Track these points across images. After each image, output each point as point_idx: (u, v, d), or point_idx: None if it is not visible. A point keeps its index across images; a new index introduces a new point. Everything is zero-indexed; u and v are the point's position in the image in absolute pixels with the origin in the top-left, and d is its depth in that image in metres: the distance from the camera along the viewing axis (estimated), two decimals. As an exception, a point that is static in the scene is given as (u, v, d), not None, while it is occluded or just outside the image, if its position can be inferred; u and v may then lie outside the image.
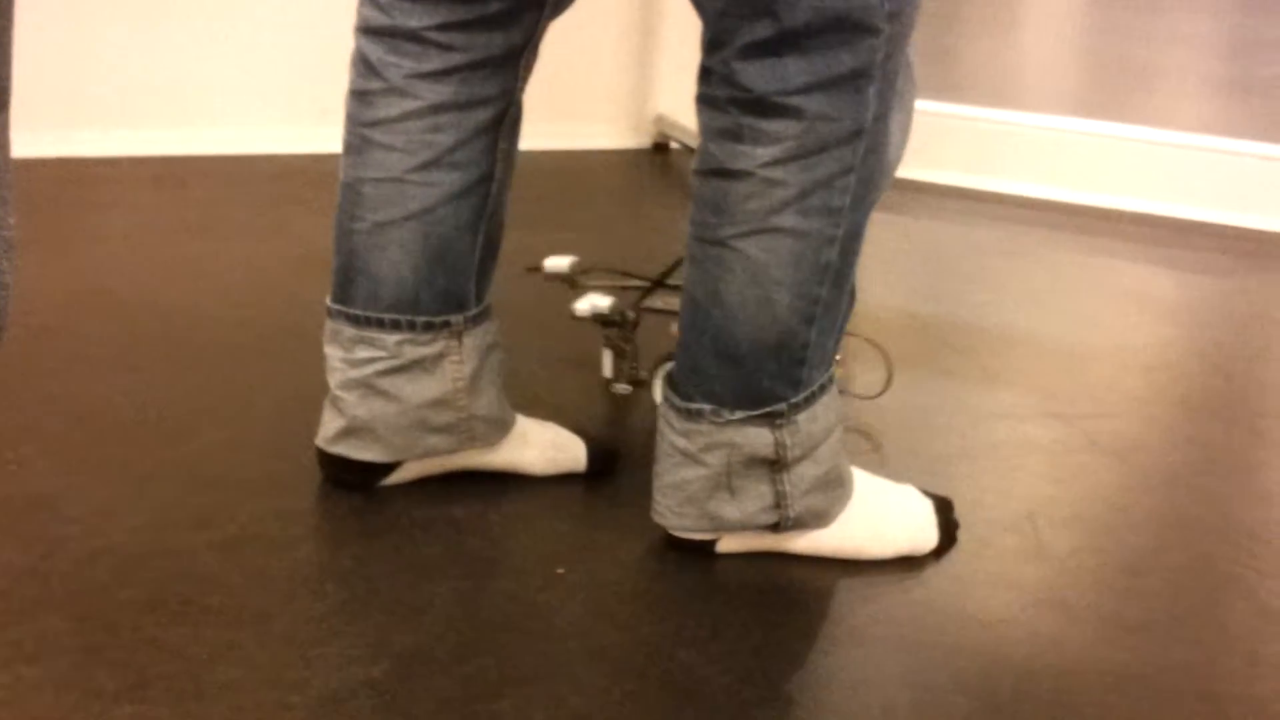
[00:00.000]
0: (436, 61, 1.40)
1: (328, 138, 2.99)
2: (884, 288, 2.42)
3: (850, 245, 1.34)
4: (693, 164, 1.36)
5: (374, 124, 1.43)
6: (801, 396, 1.37)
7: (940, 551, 1.47)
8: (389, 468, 1.54)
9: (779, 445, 1.37)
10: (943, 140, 3.21)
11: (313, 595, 1.33)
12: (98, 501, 1.49)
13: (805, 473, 1.39)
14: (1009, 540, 1.52)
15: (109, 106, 3.03)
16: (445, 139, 1.42)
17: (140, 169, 2.94)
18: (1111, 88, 4.09)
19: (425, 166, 1.43)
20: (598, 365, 1.98)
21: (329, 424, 1.52)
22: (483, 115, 1.43)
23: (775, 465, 1.38)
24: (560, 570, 1.40)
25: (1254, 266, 2.65)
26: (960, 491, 1.60)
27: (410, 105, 1.41)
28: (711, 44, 1.29)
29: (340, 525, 1.48)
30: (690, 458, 1.39)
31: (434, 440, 1.51)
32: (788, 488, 1.39)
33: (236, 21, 3.06)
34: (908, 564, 1.45)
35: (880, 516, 1.46)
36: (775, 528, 1.41)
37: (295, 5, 3.05)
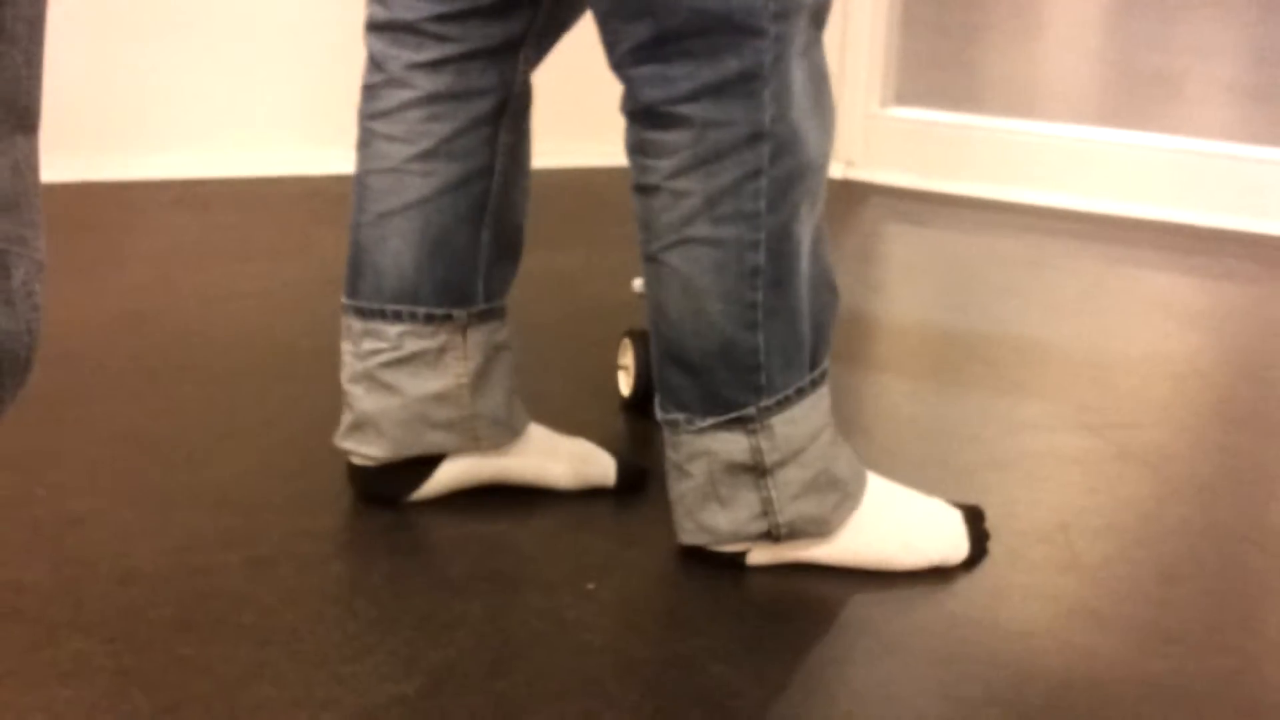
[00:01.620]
0: (433, 52, 1.43)
1: (349, 158, 3.00)
2: (910, 300, 2.41)
3: (780, 248, 1.33)
4: None
5: (376, 116, 1.47)
6: (772, 400, 1.36)
7: (972, 563, 1.47)
8: (415, 483, 1.54)
9: (754, 450, 1.37)
10: (965, 151, 3.20)
11: (343, 613, 1.33)
12: (128, 523, 1.50)
13: (791, 477, 1.38)
14: (1041, 551, 1.51)
15: (133, 130, 3.05)
16: (442, 128, 1.45)
17: (164, 192, 2.96)
18: (1135, 96, 4.08)
19: (424, 156, 1.45)
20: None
21: (342, 421, 1.54)
22: (480, 106, 1.45)
23: (756, 471, 1.38)
24: (590, 586, 1.40)
25: (1278, 274, 2.64)
26: (991, 502, 1.60)
27: (408, 95, 1.45)
28: (606, 46, 1.31)
29: (370, 543, 1.48)
30: (679, 469, 1.41)
31: (436, 437, 1.51)
32: (773, 493, 1.38)
33: (258, 44, 3.08)
34: (939, 575, 1.44)
35: (910, 527, 1.45)
36: (768, 536, 1.40)
37: (316, 28, 3.06)
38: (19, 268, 0.77)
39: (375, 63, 1.47)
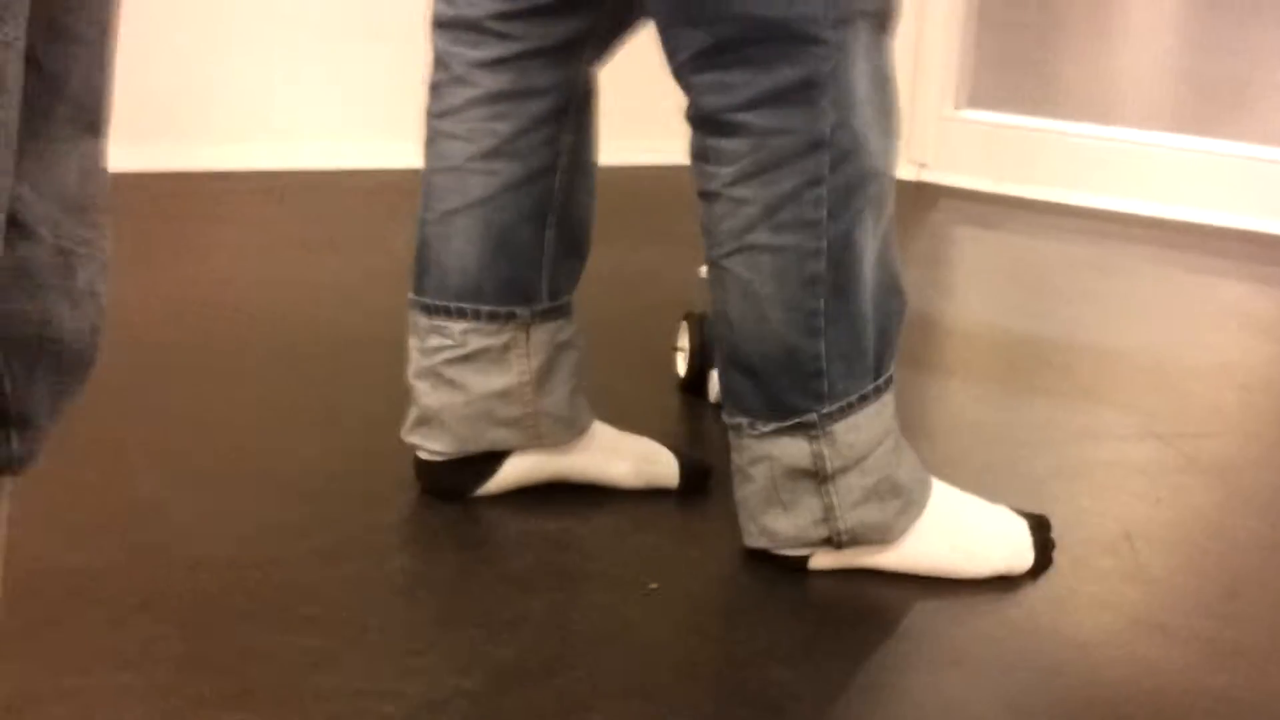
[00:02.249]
0: (495, 50, 1.45)
1: (418, 152, 3.02)
2: (980, 304, 2.40)
3: (842, 255, 1.33)
4: None
5: (441, 114, 1.48)
6: (834, 407, 1.36)
7: (1036, 572, 1.46)
8: (480, 478, 1.56)
9: (816, 456, 1.37)
10: (1038, 155, 3.18)
11: (409, 606, 1.35)
12: (201, 510, 1.52)
13: (853, 484, 1.38)
14: (1106, 561, 1.50)
15: (212, 121, 3.09)
16: (504, 127, 1.46)
17: (245, 183, 3.00)
18: (1209, 102, 4.03)
19: (486, 155, 1.47)
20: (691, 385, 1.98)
21: (409, 415, 1.55)
22: (541, 105, 1.46)
23: (817, 477, 1.38)
24: (653, 585, 1.41)
25: (1359, 284, 2.60)
26: (1057, 511, 1.59)
27: (471, 93, 1.46)
28: (666, 54, 1.32)
29: (435, 537, 1.49)
30: (742, 472, 1.42)
31: (500, 434, 1.53)
32: (835, 499, 1.38)
33: (338, 40, 3.11)
34: (1003, 584, 1.44)
35: (974, 535, 1.45)
36: (829, 542, 1.40)
37: (395, 22, 3.08)
38: (85, 268, 0.79)
39: (439, 60, 1.48)
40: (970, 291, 2.49)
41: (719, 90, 1.29)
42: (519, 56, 1.44)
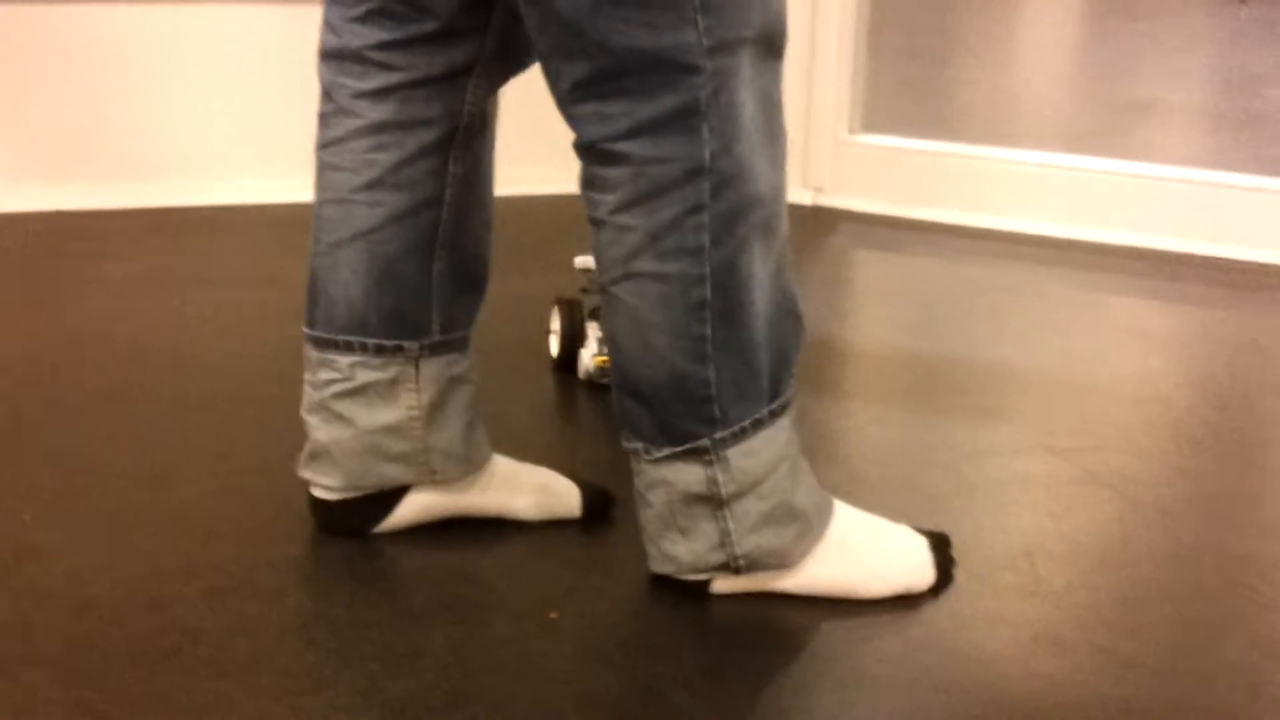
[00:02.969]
0: (377, 80, 1.42)
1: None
2: (879, 326, 2.41)
3: (728, 281, 1.32)
4: None
5: (326, 145, 1.46)
6: (727, 432, 1.35)
7: (937, 589, 1.46)
8: (376, 517, 1.53)
9: (710, 481, 1.36)
10: (935, 178, 3.21)
11: (303, 644, 1.32)
12: (87, 553, 1.48)
13: (749, 509, 1.37)
14: (1006, 577, 1.50)
15: (102, 159, 3.04)
16: (387, 158, 1.44)
17: (134, 221, 2.94)
18: (1102, 122, 4.11)
19: (370, 186, 1.44)
20: (588, 413, 1.97)
21: (303, 450, 1.53)
22: (426, 136, 1.44)
23: (712, 502, 1.37)
24: (554, 614, 1.39)
25: (1244, 298, 2.64)
26: (957, 528, 1.59)
27: (354, 124, 1.44)
28: (549, 86, 1.31)
29: (331, 573, 1.47)
30: (641, 497, 1.41)
31: (389, 469, 1.50)
32: (730, 525, 1.38)
33: (225, 73, 3.07)
34: (905, 603, 1.44)
35: (874, 554, 1.45)
36: (727, 567, 1.40)
37: (282, 56, 3.05)
38: None
39: (325, 92, 1.46)
40: (869, 314, 2.50)
41: (599, 120, 1.28)
42: (401, 86, 1.42)
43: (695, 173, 1.28)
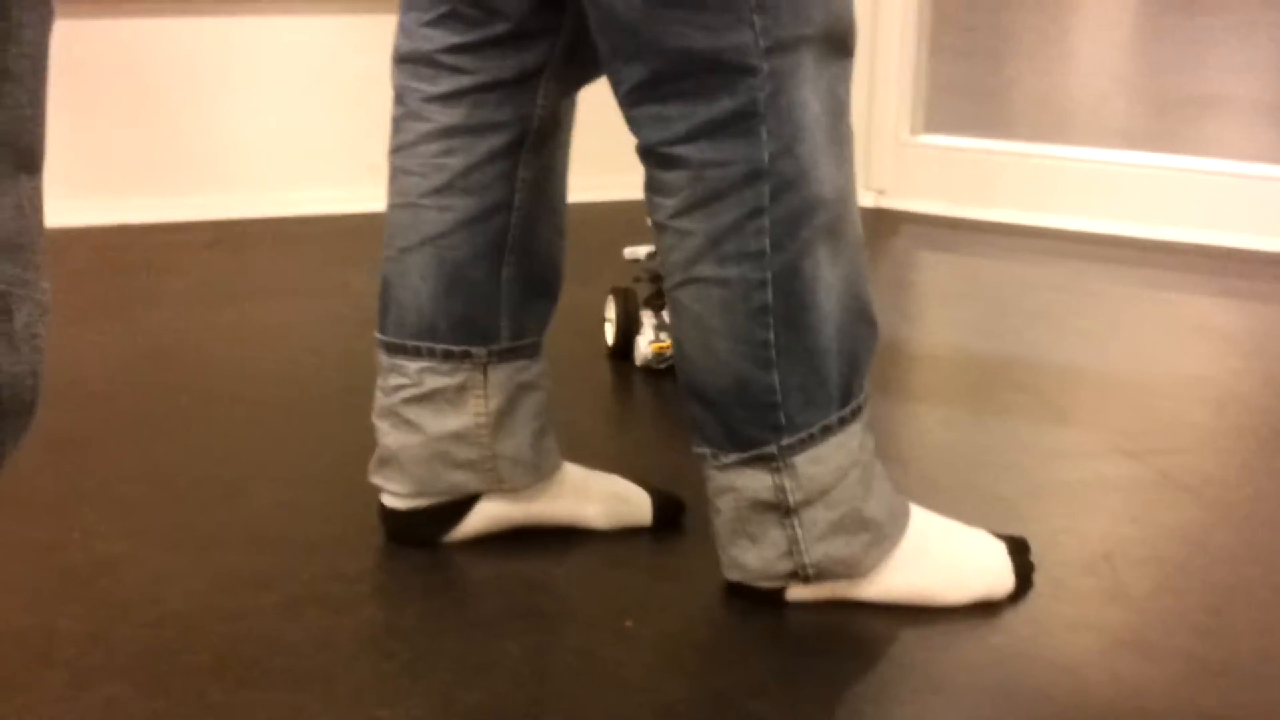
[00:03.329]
0: (447, 84, 1.42)
1: (378, 196, 3.00)
2: (944, 327, 2.39)
3: (790, 286, 1.30)
4: None
5: (398, 150, 1.47)
6: (794, 439, 1.33)
7: (1016, 595, 1.44)
8: (446, 526, 1.53)
9: (778, 489, 1.35)
10: (996, 178, 3.18)
11: (378, 655, 1.32)
12: (161, 565, 1.48)
13: (817, 517, 1.35)
14: (1086, 582, 1.48)
15: (164, 173, 3.06)
16: (456, 162, 1.43)
17: (195, 234, 2.96)
18: (1164, 118, 4.06)
19: (439, 191, 1.44)
20: (659, 419, 1.96)
21: (374, 456, 1.53)
22: (495, 140, 1.44)
23: (780, 510, 1.35)
24: (628, 623, 1.38)
25: (1320, 295, 2.60)
26: (1033, 533, 1.57)
27: (424, 128, 1.44)
28: (611, 85, 1.31)
29: (403, 584, 1.46)
30: (711, 503, 1.40)
31: (458, 476, 1.50)
32: (799, 532, 1.36)
33: (284, 84, 3.09)
34: (982, 609, 1.41)
35: (953, 562, 1.43)
36: (795, 575, 1.38)
37: (344, 65, 3.07)
38: (22, 309, 0.76)
39: (397, 96, 1.46)
40: (934, 315, 2.48)
41: (657, 123, 1.27)
42: (472, 90, 1.42)
43: (755, 175, 1.27)
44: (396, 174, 1.47)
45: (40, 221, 0.78)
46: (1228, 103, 4.33)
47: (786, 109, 1.26)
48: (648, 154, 1.30)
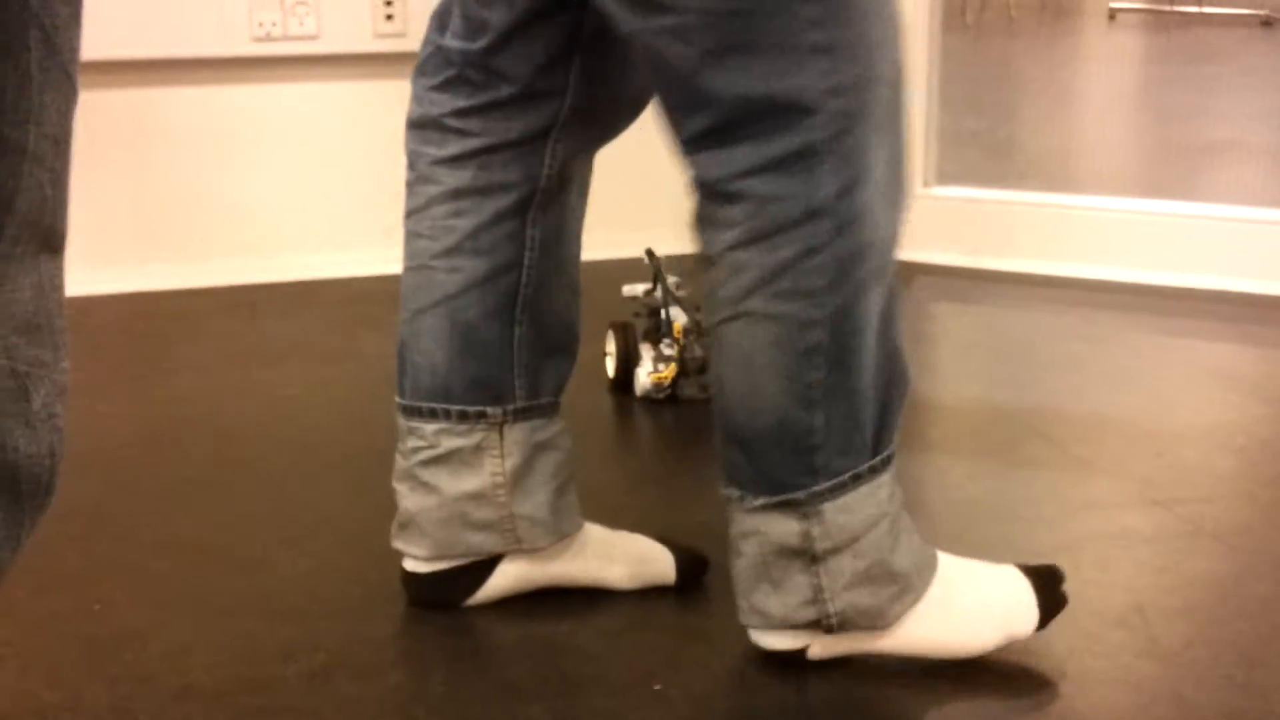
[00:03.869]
0: (454, 147, 1.44)
1: (392, 259, 3.01)
2: (965, 378, 2.38)
3: (843, 327, 1.30)
4: None
5: (410, 214, 1.49)
6: (826, 485, 1.32)
7: (1042, 625, 1.41)
8: (469, 589, 1.52)
9: (805, 535, 1.33)
10: (1011, 228, 3.18)
11: (405, 723, 1.30)
12: (183, 636, 1.47)
13: (843, 566, 1.33)
14: (1118, 635, 1.46)
15: (177, 239, 3.07)
16: (465, 224, 1.44)
17: (210, 299, 2.97)
18: (1177, 166, 4.06)
19: (448, 252, 1.45)
20: (680, 476, 1.95)
21: (395, 520, 1.53)
22: (504, 201, 1.44)
23: (806, 556, 1.33)
24: (657, 686, 1.37)
25: (1341, 339, 2.59)
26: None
27: (434, 191, 1.45)
28: (669, 129, 1.31)
29: (428, 649, 1.45)
30: (734, 547, 1.38)
31: (476, 538, 1.49)
32: (824, 580, 1.34)
33: (298, 150, 3.10)
34: (1014, 663, 1.40)
35: (975, 610, 1.40)
36: (818, 625, 1.35)
37: (357, 130, 3.08)
38: (40, 390, 0.76)
39: (410, 161, 1.48)
40: (953, 367, 2.47)
41: (719, 162, 1.27)
42: (479, 152, 1.43)
43: (815, 213, 1.26)
44: (410, 238, 1.48)
45: (61, 301, 0.77)
46: (1238, 149, 4.33)
47: (850, 150, 1.26)
48: (706, 189, 1.29)
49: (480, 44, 1.41)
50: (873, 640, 1.39)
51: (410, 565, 1.52)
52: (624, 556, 1.56)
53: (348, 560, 1.66)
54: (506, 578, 1.52)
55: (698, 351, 2.21)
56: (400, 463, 1.50)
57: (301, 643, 1.46)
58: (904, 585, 1.36)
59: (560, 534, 1.52)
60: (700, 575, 1.58)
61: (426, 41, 1.47)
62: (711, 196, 1.29)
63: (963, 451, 2.01)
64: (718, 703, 1.34)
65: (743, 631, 1.41)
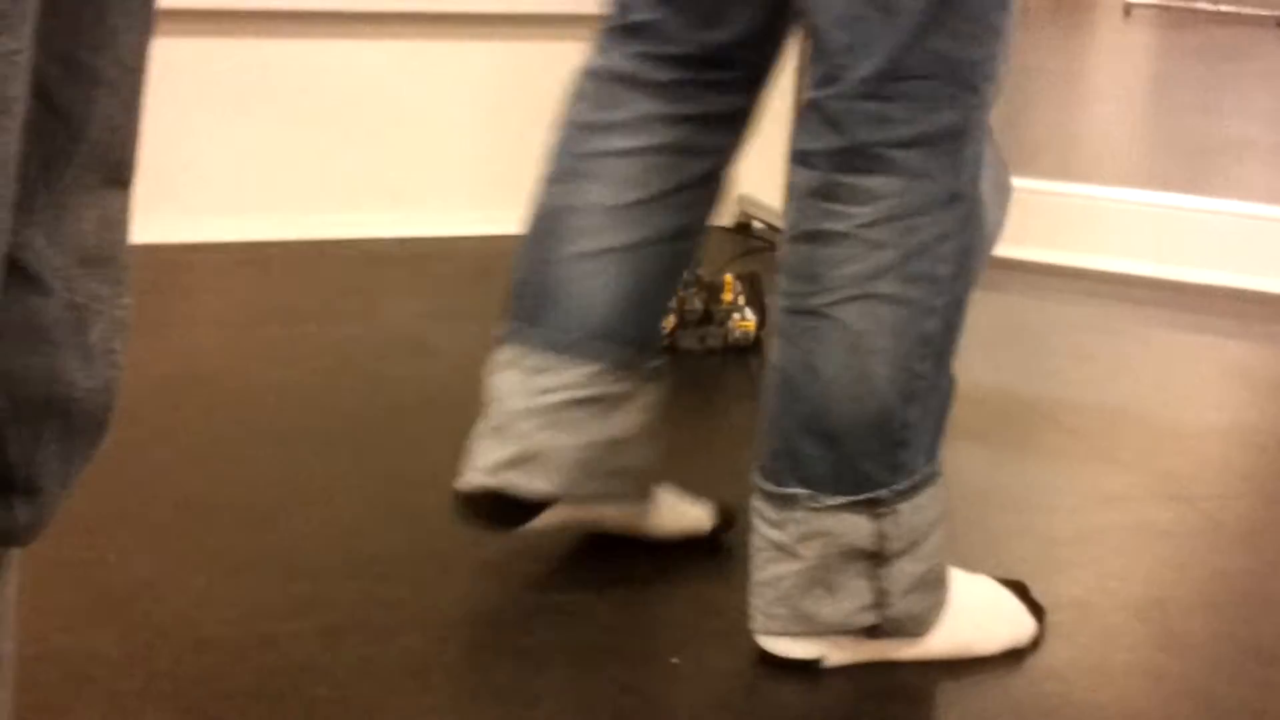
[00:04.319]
0: (672, 108, 1.41)
1: (404, 222, 2.99)
2: (983, 368, 2.36)
3: (953, 319, 1.28)
4: (783, 230, 1.32)
5: (604, 154, 1.43)
6: (905, 484, 1.28)
7: (1038, 640, 1.39)
8: (535, 511, 1.45)
9: (880, 536, 1.28)
10: (1030, 217, 3.16)
11: (419, 687, 1.29)
12: (197, 590, 1.46)
13: (906, 569, 1.29)
14: (1139, 628, 1.45)
15: (192, 192, 3.05)
16: (666, 181, 1.42)
17: (224, 254, 2.94)
18: (1204, 161, 4.04)
19: (642, 203, 1.42)
20: (683, 429, 1.94)
21: (489, 454, 1.43)
22: (699, 166, 1.43)
23: (875, 559, 1.29)
24: (674, 660, 1.35)
25: (1359, 342, 2.58)
26: (1083, 577, 1.54)
27: (639, 142, 1.41)
28: (824, 79, 1.25)
29: (444, 613, 1.44)
30: (784, 550, 1.30)
31: (601, 483, 1.45)
32: (888, 584, 1.29)
33: (314, 107, 3.08)
34: (1036, 653, 1.38)
35: (980, 609, 1.38)
36: (873, 631, 1.31)
37: (371, 92, 3.06)
38: (97, 324, 0.75)
39: (603, 105, 1.43)
40: (972, 356, 2.44)
41: (876, 122, 1.23)
42: (694, 118, 1.42)
43: (955, 198, 1.24)
44: (587, 179, 1.43)
45: (125, 236, 0.76)
46: (1255, 147, 4.31)
47: (979, 139, 1.26)
48: (852, 153, 1.24)
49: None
50: (896, 649, 1.34)
51: (478, 479, 1.45)
52: (663, 505, 1.54)
53: (363, 520, 1.64)
54: (557, 515, 1.46)
55: (696, 304, 2.20)
56: (527, 400, 1.42)
57: (315, 601, 1.44)
58: (945, 591, 1.33)
59: (652, 490, 1.51)
60: (730, 527, 1.55)
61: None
62: (853, 166, 1.24)
63: (984, 441, 1.99)
64: (736, 677, 1.33)
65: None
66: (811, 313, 1.27)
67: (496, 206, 2.95)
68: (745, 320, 2.23)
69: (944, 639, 1.35)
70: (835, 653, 1.33)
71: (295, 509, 1.67)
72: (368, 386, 2.12)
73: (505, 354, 1.45)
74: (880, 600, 1.30)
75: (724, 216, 3.09)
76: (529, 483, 1.42)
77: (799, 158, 1.28)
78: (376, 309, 2.55)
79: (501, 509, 1.45)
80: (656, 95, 1.41)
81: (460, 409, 1.99)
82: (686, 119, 1.41)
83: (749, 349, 2.23)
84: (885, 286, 1.24)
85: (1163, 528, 1.70)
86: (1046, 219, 3.14)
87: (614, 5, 1.44)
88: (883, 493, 1.28)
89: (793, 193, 1.29)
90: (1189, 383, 2.29)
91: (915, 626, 1.32)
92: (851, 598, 1.30)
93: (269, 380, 2.15)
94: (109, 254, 0.74)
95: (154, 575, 1.49)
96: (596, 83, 1.44)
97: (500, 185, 2.96)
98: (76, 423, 0.74)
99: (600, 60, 1.44)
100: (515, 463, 1.42)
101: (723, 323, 2.23)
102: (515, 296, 1.46)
